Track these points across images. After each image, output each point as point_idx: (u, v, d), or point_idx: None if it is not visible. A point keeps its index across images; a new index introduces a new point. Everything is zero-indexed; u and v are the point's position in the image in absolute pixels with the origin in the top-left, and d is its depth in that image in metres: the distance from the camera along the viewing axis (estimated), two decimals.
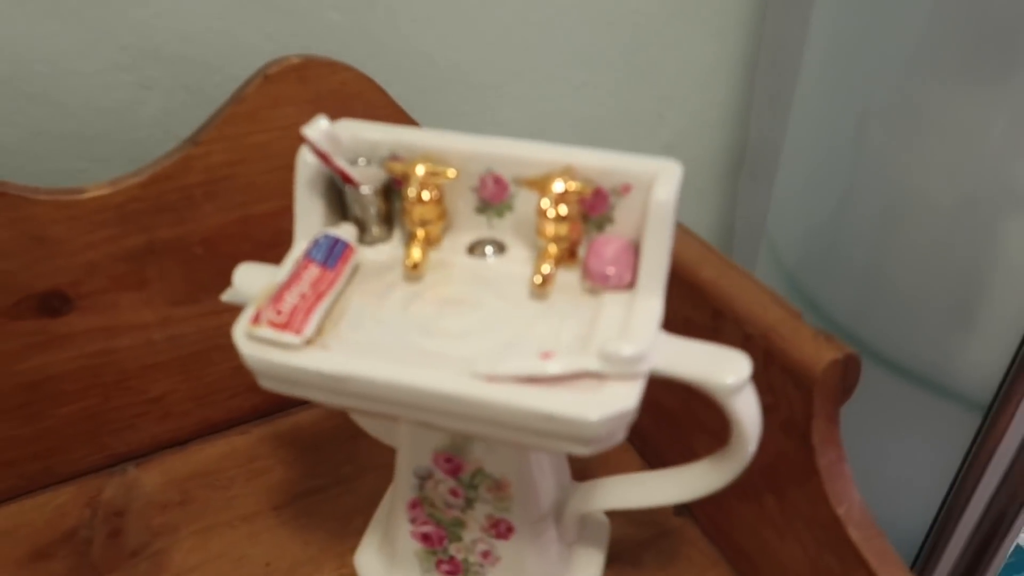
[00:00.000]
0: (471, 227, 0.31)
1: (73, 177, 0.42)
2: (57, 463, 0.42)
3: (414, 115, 0.41)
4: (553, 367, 0.24)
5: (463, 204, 0.31)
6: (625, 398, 0.24)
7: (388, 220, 0.31)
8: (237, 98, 0.37)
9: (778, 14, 0.56)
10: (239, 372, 0.44)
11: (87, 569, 0.39)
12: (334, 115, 0.39)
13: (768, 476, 0.34)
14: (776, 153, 0.57)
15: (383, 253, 0.31)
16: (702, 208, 0.66)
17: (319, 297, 0.27)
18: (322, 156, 0.28)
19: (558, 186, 0.28)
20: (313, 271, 0.27)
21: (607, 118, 0.57)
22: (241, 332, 0.26)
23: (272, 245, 0.41)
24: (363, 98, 0.40)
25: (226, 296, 0.30)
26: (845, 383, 0.31)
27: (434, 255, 0.30)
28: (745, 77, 0.60)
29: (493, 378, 0.24)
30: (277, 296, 0.26)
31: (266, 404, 0.46)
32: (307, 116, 0.39)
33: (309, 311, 0.26)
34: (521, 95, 0.53)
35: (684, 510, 0.41)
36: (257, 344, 0.26)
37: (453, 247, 0.31)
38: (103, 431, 0.42)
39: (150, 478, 0.43)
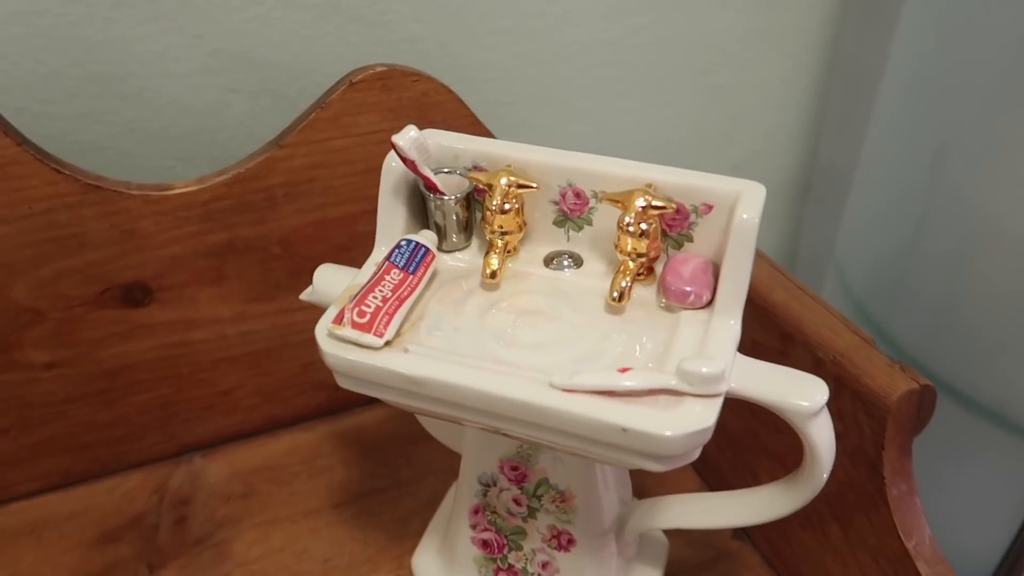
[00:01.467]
0: (549, 239, 0.31)
1: (159, 174, 0.44)
2: (128, 449, 0.44)
3: (487, 126, 0.42)
4: (630, 381, 0.25)
5: (541, 216, 0.31)
6: (702, 417, 0.24)
7: (467, 228, 0.31)
8: (321, 103, 0.39)
9: (854, 39, 0.55)
10: (307, 370, 0.45)
11: (153, 554, 0.40)
12: (414, 123, 0.41)
13: (834, 504, 0.34)
14: (846, 179, 0.56)
15: (461, 260, 0.31)
16: (768, 230, 0.66)
17: (400, 301, 0.27)
18: (410, 164, 0.28)
19: (640, 202, 0.28)
20: (395, 275, 0.28)
21: (676, 137, 0.57)
22: (323, 331, 0.27)
23: (347, 248, 0.42)
24: (442, 108, 0.40)
25: (305, 295, 0.31)
26: (920, 414, 0.31)
27: (511, 265, 0.31)
28: (817, 101, 0.59)
29: (571, 389, 0.25)
30: (360, 298, 0.27)
31: (331, 403, 0.47)
32: (388, 123, 0.40)
33: (391, 314, 0.27)
34: (591, 111, 0.53)
35: (742, 534, 0.41)
36: (338, 343, 0.27)
37: (530, 258, 0.31)
38: (174, 421, 0.44)
39: (216, 469, 0.44)
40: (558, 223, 0.31)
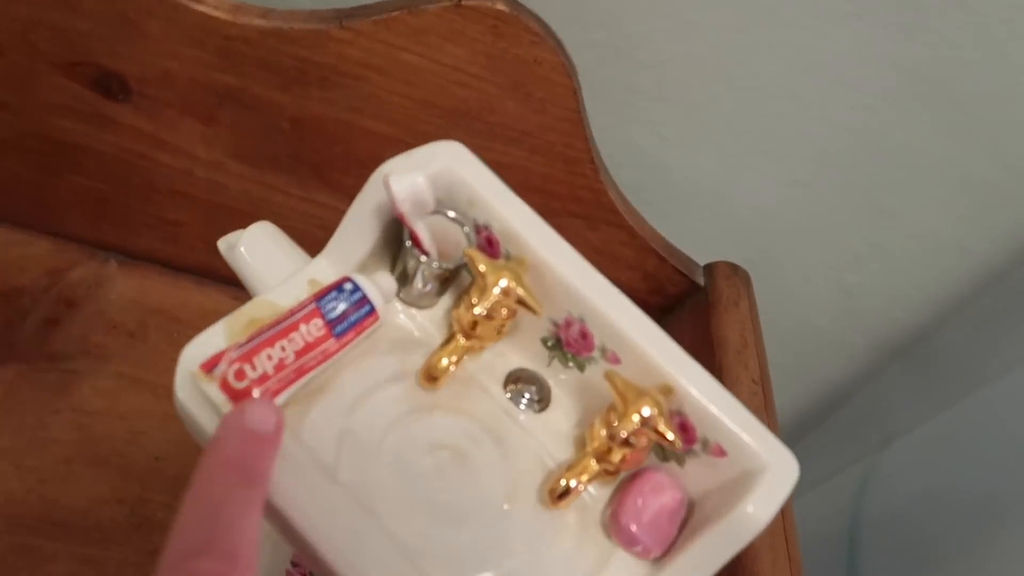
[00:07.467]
0: (526, 351, 0.24)
1: None
2: (49, 216, 0.39)
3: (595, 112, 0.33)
4: None
5: (530, 323, 0.24)
6: None
7: (442, 287, 0.24)
8: (413, 7, 0.30)
9: None
10: None
11: (2, 345, 0.36)
12: (502, 91, 0.32)
13: None
14: None
15: (415, 322, 0.24)
16: None
17: (299, 375, 0.20)
18: (399, 214, 0.21)
19: (646, 412, 0.21)
20: (312, 331, 0.21)
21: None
22: (187, 367, 0.21)
23: (363, 163, 0.35)
24: (548, 87, 0.32)
25: (223, 246, 0.25)
26: None
27: (466, 362, 0.24)
28: None
29: None
30: (253, 348, 0.20)
31: None
32: (476, 68, 0.32)
33: (275, 392, 0.20)
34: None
35: None
36: (195, 394, 0.20)
37: (492, 365, 0.24)
38: (106, 218, 0.38)
39: (123, 286, 0.39)
40: (546, 343, 0.24)
